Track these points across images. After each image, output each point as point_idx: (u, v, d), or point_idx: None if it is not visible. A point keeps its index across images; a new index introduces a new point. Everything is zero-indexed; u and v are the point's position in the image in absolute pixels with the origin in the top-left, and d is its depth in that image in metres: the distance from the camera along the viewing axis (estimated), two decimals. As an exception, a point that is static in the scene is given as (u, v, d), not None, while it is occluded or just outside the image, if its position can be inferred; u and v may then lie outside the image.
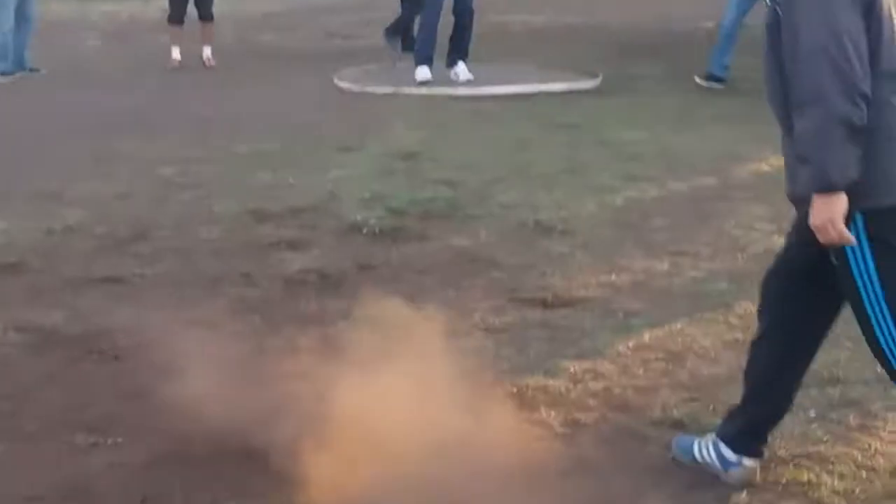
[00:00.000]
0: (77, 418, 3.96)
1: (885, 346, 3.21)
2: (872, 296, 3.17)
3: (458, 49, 10.56)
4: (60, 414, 4.00)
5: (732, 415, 3.61)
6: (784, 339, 3.50)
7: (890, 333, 3.19)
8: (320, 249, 5.74)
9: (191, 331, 4.63)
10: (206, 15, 12.00)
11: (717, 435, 3.57)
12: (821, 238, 3.09)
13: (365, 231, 5.98)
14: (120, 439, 3.81)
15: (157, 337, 4.56)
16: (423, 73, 10.35)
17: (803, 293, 3.43)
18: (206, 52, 11.97)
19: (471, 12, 10.46)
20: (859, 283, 3.17)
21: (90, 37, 14.27)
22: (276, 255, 5.69)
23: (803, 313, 3.46)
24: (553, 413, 3.95)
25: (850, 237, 3.07)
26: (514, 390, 4.13)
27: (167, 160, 7.62)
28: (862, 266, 3.15)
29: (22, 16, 11.18)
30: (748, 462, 3.52)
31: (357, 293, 5.10)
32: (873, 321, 3.21)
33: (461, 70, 10.51)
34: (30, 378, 4.28)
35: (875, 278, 3.15)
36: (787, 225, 6.03)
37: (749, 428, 3.55)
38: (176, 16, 11.92)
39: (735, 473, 3.51)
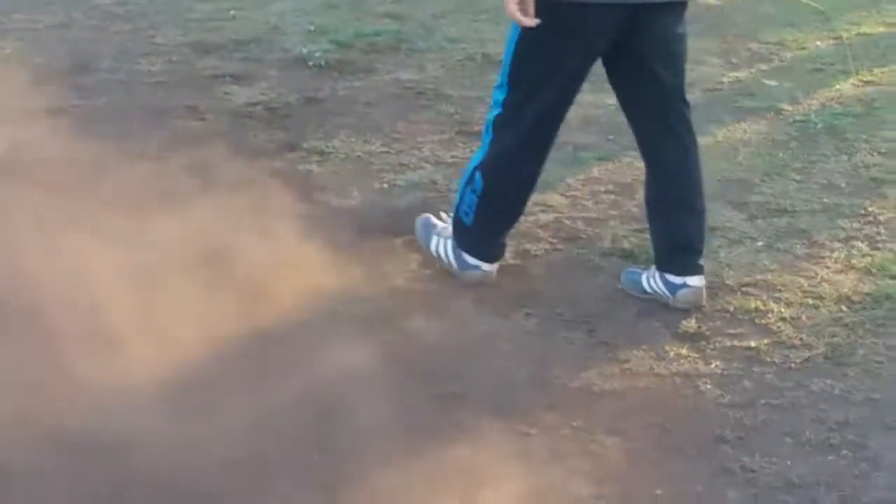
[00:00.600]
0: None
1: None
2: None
3: None
4: None
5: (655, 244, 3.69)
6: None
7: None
8: (266, 82, 5.64)
9: (136, 163, 4.58)
10: None
11: (658, 267, 3.63)
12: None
13: (311, 64, 5.88)
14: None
15: (102, 169, 4.51)
16: None
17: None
18: None
19: None
20: None
21: None
22: (220, 87, 5.59)
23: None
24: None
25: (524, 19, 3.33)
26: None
27: (104, -10, 7.41)
28: None
29: None
30: (692, 281, 3.58)
31: (304, 127, 5.07)
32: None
33: None
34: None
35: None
36: (734, 58, 6.09)
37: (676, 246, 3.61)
38: None
39: (682, 295, 3.57)
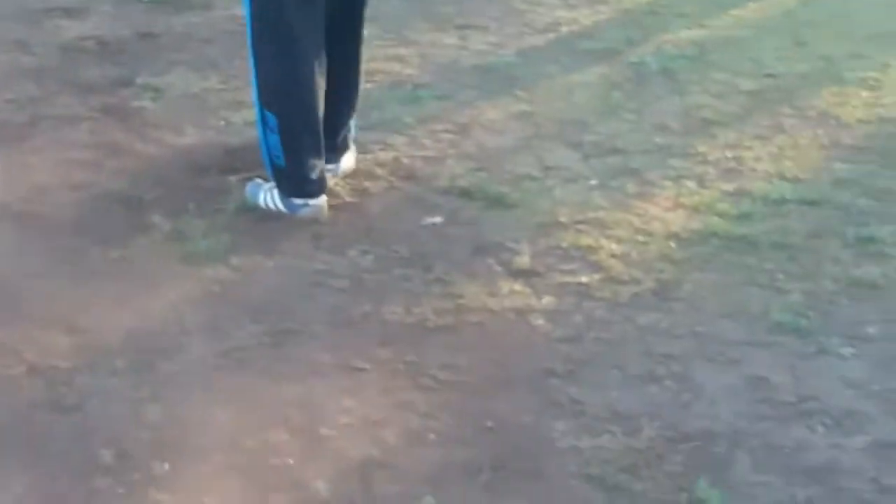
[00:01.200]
0: None
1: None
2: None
3: None
4: None
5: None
6: None
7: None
8: (98, 17, 5.49)
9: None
10: None
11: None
12: None
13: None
14: None
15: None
16: None
17: None
18: None
19: None
20: None
21: None
22: (50, 21, 5.41)
23: None
24: (341, 182, 3.95)
25: None
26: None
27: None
28: None
29: None
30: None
31: (138, 63, 4.95)
32: None
33: None
34: None
35: None
36: (574, 1, 6.13)
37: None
38: None
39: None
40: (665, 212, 3.84)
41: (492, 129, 4.47)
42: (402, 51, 5.29)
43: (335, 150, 3.93)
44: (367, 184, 3.97)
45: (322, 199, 3.75)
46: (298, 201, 3.72)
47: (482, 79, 4.98)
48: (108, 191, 3.81)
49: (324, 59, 3.70)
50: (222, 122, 4.40)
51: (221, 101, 4.60)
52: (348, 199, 3.88)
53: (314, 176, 3.73)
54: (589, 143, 4.34)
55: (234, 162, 4.05)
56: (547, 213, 3.79)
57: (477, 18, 5.77)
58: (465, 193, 3.94)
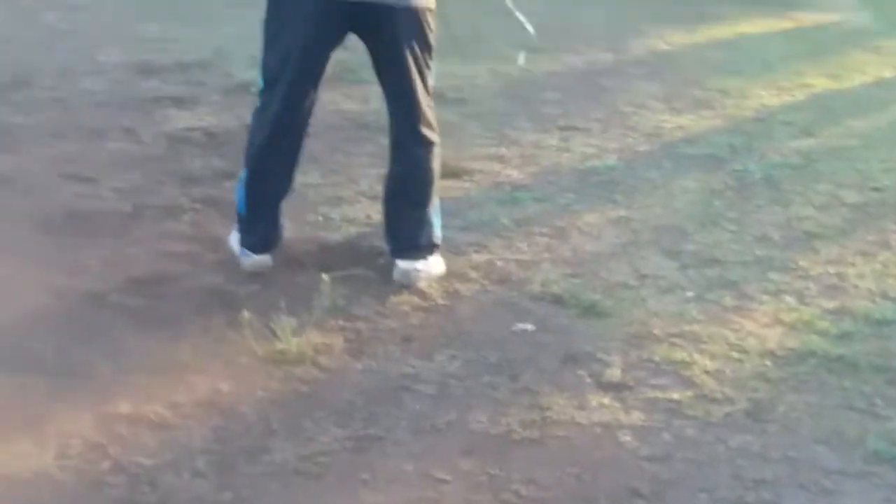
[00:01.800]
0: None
1: None
2: None
3: None
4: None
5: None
6: None
7: None
8: (207, 107, 5.60)
9: (68, 184, 4.53)
10: None
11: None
12: None
13: (253, 90, 5.78)
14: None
15: (35, 189, 4.46)
16: None
17: None
18: None
19: None
20: None
21: None
22: (160, 110, 5.54)
23: None
24: (434, 284, 3.94)
25: None
26: (397, 259, 4.10)
27: (51, 5, 7.36)
28: None
29: None
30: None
31: (242, 155, 5.01)
32: None
33: None
34: None
35: None
36: (678, 103, 6.11)
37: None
38: None
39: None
40: (762, 328, 3.76)
41: (589, 234, 4.44)
42: (504, 151, 5.31)
43: (402, 249, 3.96)
44: (459, 286, 3.96)
45: (265, 258, 3.95)
46: (246, 251, 3.94)
47: (582, 182, 4.97)
48: (203, 284, 3.84)
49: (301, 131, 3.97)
50: (320, 218, 4.44)
51: (321, 196, 4.65)
52: (440, 301, 3.86)
53: (261, 232, 3.96)
54: (687, 252, 4.29)
55: (329, 259, 4.06)
56: (640, 323, 3.74)
57: (581, 120, 5.78)
58: (558, 300, 3.90)
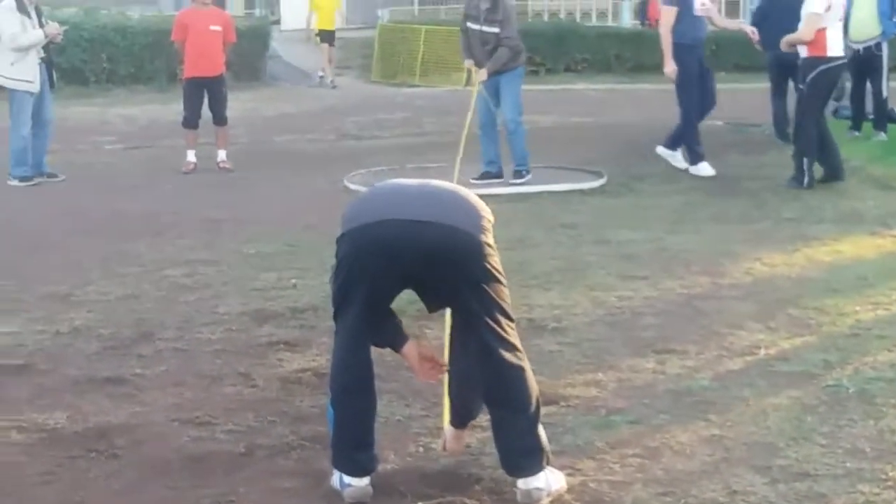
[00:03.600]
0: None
1: None
2: None
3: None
4: (57, 511, 4.18)
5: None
6: None
7: None
8: (317, 349, 5.91)
9: (185, 428, 4.82)
10: (220, 119, 12.33)
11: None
12: None
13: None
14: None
15: (154, 435, 4.76)
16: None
17: None
18: (221, 155, 12.30)
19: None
20: None
21: (109, 140, 14.65)
22: (274, 354, 5.87)
23: None
24: (540, 502, 4.09)
25: None
26: (493, 485, 4.26)
27: (175, 262, 7.87)
28: None
29: (39, 120, 11.50)
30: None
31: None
32: None
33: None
34: (30, 476, 4.44)
35: None
36: (773, 323, 6.24)
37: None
38: (190, 121, 12.27)
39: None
40: (850, 538, 3.81)
41: (681, 453, 4.56)
42: (600, 375, 5.48)
43: (514, 467, 4.18)
44: (553, 512, 4.10)
45: (363, 484, 4.16)
46: (344, 479, 4.17)
47: (676, 402, 5.11)
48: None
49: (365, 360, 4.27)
50: (421, 449, 4.64)
51: (423, 426, 4.86)
52: (536, 525, 4.00)
53: (354, 453, 4.17)
54: (777, 467, 4.37)
55: (428, 489, 4.24)
56: (729, 538, 3.82)
57: (677, 342, 5.94)
58: (650, 524, 4.00)
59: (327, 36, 21.92)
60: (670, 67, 11.20)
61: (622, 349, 5.89)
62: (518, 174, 10.97)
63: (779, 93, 13.17)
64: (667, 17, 11.32)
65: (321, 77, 22.34)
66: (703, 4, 11.13)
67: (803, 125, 10.37)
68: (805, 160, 10.31)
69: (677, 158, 11.59)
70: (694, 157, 11.42)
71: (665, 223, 9.04)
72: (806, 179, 10.28)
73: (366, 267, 4.10)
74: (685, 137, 11.46)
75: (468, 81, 10.74)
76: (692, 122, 11.38)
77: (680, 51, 11.11)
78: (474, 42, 10.70)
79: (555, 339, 6.05)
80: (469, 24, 10.74)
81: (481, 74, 10.64)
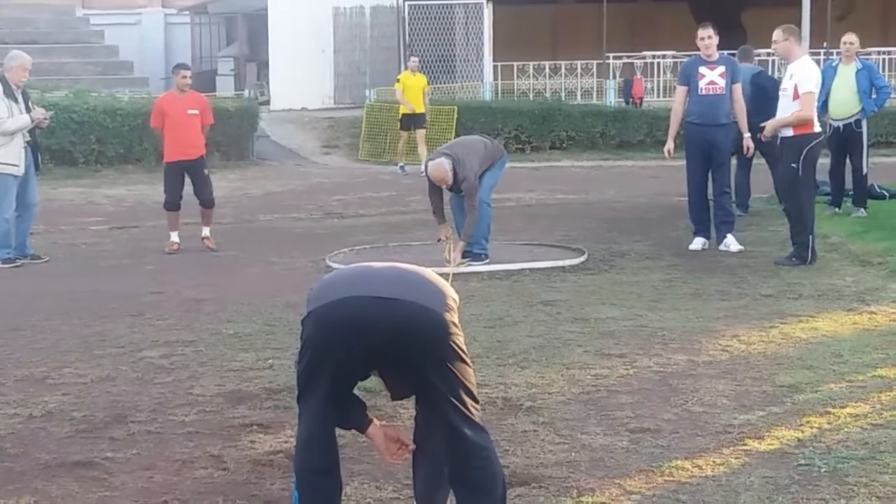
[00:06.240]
0: None
1: None
2: None
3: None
4: None
5: None
6: None
7: None
8: (291, 430, 5.86)
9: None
10: (207, 203, 12.39)
11: None
12: None
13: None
14: None
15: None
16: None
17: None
18: (205, 231, 12.35)
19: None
20: None
21: (95, 220, 14.69)
22: (247, 436, 5.85)
23: None
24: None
25: None
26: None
27: (154, 343, 7.86)
28: None
29: (24, 203, 11.54)
30: None
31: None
32: None
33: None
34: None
35: None
36: (747, 401, 6.25)
37: None
38: (172, 203, 12.32)
39: None
40: None
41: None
42: (573, 455, 5.50)
43: None
44: None
45: None
46: None
47: (648, 482, 5.13)
48: None
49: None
50: (392, 531, 4.62)
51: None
52: None
53: None
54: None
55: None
56: None
57: (651, 421, 5.96)
58: None
59: (417, 119, 20.25)
60: (669, 145, 11.64)
61: (596, 428, 5.89)
62: (470, 254, 10.72)
63: (744, 166, 13.43)
64: (676, 95, 11.84)
65: (402, 167, 20.28)
66: (711, 83, 11.28)
67: (803, 202, 10.42)
68: (810, 237, 10.37)
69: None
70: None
71: (645, 300, 9.06)
72: (810, 256, 10.31)
73: (331, 346, 4.11)
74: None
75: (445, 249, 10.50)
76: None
77: (684, 128, 11.54)
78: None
79: (529, 418, 6.04)
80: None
81: (458, 249, 10.49)
